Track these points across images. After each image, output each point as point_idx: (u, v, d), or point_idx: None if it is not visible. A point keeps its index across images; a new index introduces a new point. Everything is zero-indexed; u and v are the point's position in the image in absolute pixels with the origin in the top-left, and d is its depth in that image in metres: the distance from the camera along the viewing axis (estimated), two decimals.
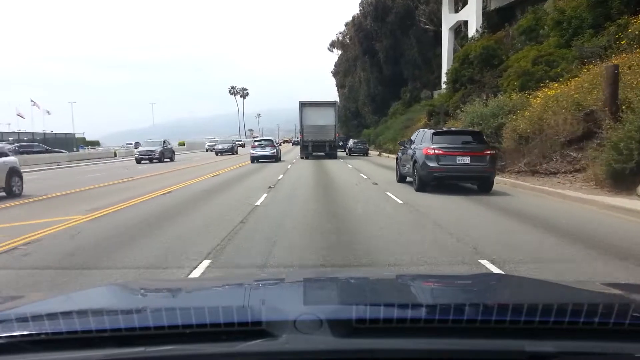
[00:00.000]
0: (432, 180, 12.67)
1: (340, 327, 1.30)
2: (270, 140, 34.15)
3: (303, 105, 34.33)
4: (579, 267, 5.60)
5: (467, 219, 8.88)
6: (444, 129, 15.69)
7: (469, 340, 1.29)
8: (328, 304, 1.77)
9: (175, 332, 1.31)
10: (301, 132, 34.46)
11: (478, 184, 12.81)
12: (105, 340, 1.29)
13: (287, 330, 1.27)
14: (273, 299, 1.90)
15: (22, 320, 1.42)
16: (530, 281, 2.49)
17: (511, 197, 11.85)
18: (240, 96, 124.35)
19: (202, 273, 5.35)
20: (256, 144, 32.53)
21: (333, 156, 33.41)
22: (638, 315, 1.40)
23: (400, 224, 8.49)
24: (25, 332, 1.34)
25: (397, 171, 15.83)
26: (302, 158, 33.50)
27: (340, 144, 42.70)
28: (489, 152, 12.54)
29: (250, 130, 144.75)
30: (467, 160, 12.33)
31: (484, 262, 5.66)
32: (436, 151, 12.37)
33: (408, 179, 14.39)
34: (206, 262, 5.76)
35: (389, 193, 12.56)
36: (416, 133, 14.91)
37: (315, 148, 33.74)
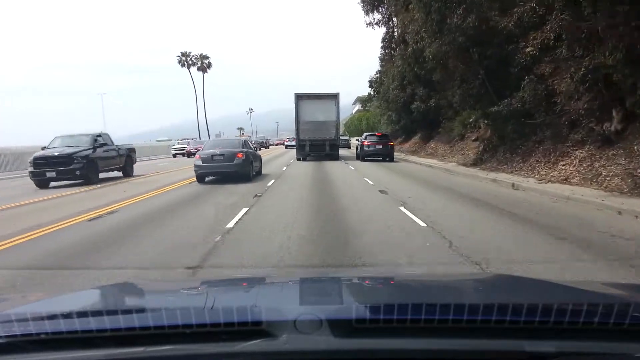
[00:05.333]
0: (365, 155, 27.79)
1: (340, 327, 1.30)
2: (295, 137, 51.82)
3: (299, 97, 29.19)
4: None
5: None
6: (372, 133, 33.25)
7: (468, 340, 1.29)
8: (328, 304, 1.77)
9: (175, 332, 1.31)
10: (297, 129, 29.48)
11: (386, 158, 27.65)
12: (105, 340, 1.29)
13: (287, 330, 1.27)
14: (273, 299, 1.91)
15: (22, 320, 1.42)
16: (530, 281, 2.49)
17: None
18: (198, 69, 77.71)
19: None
20: (286, 140, 61.13)
21: (334, 157, 28.97)
22: (638, 315, 1.40)
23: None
24: (25, 332, 1.34)
25: (355, 153, 31.39)
26: (298, 160, 29.01)
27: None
28: (390, 143, 28.17)
29: (241, 129, 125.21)
30: (380, 147, 27.70)
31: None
32: (367, 142, 28.18)
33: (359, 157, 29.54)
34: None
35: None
36: (364, 135, 30.67)
37: (314, 147, 28.96)
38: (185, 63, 77.41)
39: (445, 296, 1.98)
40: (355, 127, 71.85)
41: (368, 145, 27.47)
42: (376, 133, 31.78)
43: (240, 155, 15.87)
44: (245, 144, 17.82)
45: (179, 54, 78.20)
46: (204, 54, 79.30)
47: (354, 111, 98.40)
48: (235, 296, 2.03)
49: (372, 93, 54.34)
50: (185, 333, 1.30)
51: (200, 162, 15.79)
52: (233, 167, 15.65)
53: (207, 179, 16.11)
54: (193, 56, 78.10)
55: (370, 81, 51.42)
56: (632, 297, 1.89)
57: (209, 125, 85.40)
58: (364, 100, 75.58)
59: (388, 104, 38.15)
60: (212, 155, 15.82)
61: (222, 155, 15.80)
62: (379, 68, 46.12)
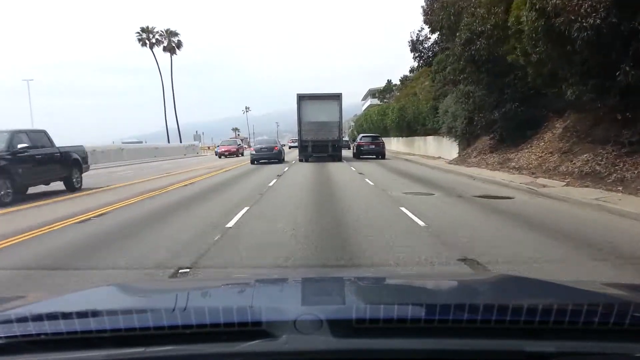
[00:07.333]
0: (360, 154, 31.47)
1: (340, 327, 1.30)
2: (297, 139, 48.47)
3: (301, 98, 29.21)
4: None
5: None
6: (367, 134, 37.26)
7: (469, 340, 1.29)
8: (328, 304, 1.76)
9: (175, 332, 1.31)
10: (299, 130, 29.62)
11: (378, 156, 30.94)
12: (105, 341, 1.29)
13: (287, 331, 1.27)
14: (273, 299, 1.91)
15: (22, 320, 1.42)
16: (530, 281, 2.49)
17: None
18: (165, 49, 60.49)
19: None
20: (289, 142, 66.07)
21: (337, 158, 28.92)
22: (638, 315, 1.40)
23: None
24: (25, 332, 1.34)
25: (352, 151, 35.92)
26: (300, 160, 29.39)
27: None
28: (381, 142, 31.83)
29: (236, 129, 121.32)
30: (373, 146, 31.45)
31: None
32: (362, 142, 32.53)
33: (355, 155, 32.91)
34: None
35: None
36: (359, 136, 36.78)
37: (316, 148, 28.92)
38: (147, 42, 58.84)
39: (445, 296, 1.98)
40: (375, 124, 50.16)
41: (363, 145, 32.11)
42: (369, 134, 37.24)
43: (276, 148, 29.99)
44: (277, 142, 32.63)
45: (139, 30, 58.35)
46: (171, 30, 60.29)
47: (363, 107, 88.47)
48: (235, 296, 2.03)
49: (417, 63, 36.53)
50: (185, 333, 1.30)
51: (254, 152, 29.54)
52: (273, 154, 29.37)
53: (256, 162, 28.30)
54: (157, 33, 59.00)
55: (413, 40, 34.04)
56: (632, 297, 1.89)
57: (214, 127, 79.51)
58: (382, 91, 64.43)
59: (475, 63, 19.08)
60: (261, 148, 29.48)
61: (267, 148, 29.64)
62: (423, 24, 31.07)
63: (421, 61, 35.40)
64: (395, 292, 2.08)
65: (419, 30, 33.77)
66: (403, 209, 9.48)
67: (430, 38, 32.87)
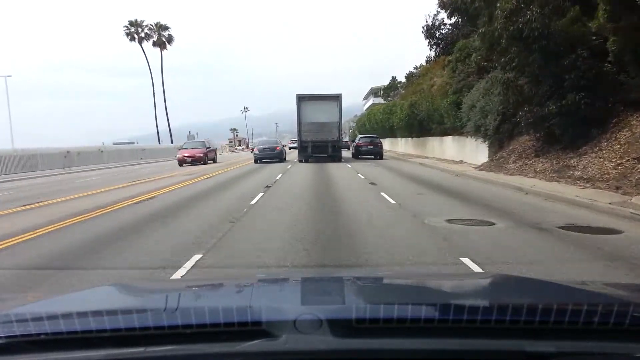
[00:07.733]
0: (359, 154, 32.40)
1: (340, 327, 1.29)
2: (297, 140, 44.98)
3: (301, 99, 29.29)
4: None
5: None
6: (365, 135, 39.13)
7: (468, 340, 1.29)
8: (328, 304, 1.77)
9: (175, 332, 1.31)
10: (299, 130, 29.77)
11: (376, 156, 31.85)
12: (105, 341, 1.29)
13: (287, 330, 1.27)
14: (273, 299, 1.91)
15: (22, 320, 1.43)
16: (530, 281, 2.49)
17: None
18: (154, 44, 57.37)
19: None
20: (290, 142, 64.46)
21: (337, 159, 29.11)
22: (638, 315, 1.40)
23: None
24: (25, 332, 1.34)
25: (351, 152, 36.79)
26: (300, 161, 29.57)
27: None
28: (379, 143, 32.78)
29: (234, 129, 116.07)
30: (371, 147, 32.27)
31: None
32: (360, 142, 33.44)
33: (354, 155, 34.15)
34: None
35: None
36: (358, 137, 37.88)
37: (316, 149, 29.10)
38: (136, 36, 55.67)
39: (445, 296, 1.98)
40: (379, 123, 46.37)
41: (361, 146, 33.15)
42: (367, 135, 39.21)
43: (278, 148, 32.48)
44: (279, 143, 35.15)
45: (127, 24, 55.86)
46: (161, 24, 56.95)
47: (365, 107, 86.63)
48: (235, 296, 2.03)
49: (433, 52, 32.41)
50: (185, 333, 1.30)
51: (257, 152, 32.11)
52: (275, 154, 31.88)
53: (259, 161, 30.71)
54: (146, 26, 56.07)
55: (428, 25, 30.45)
56: (632, 297, 1.89)
57: (212, 127, 77.36)
58: (386, 89, 63.82)
59: (524, 41, 14.17)
60: (264, 148, 32.32)
61: (269, 148, 32.32)
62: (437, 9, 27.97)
63: (438, 49, 31.32)
64: (395, 292, 2.08)
65: (435, 14, 30.10)
66: (467, 261, 5.50)
67: (446, 24, 30.05)
